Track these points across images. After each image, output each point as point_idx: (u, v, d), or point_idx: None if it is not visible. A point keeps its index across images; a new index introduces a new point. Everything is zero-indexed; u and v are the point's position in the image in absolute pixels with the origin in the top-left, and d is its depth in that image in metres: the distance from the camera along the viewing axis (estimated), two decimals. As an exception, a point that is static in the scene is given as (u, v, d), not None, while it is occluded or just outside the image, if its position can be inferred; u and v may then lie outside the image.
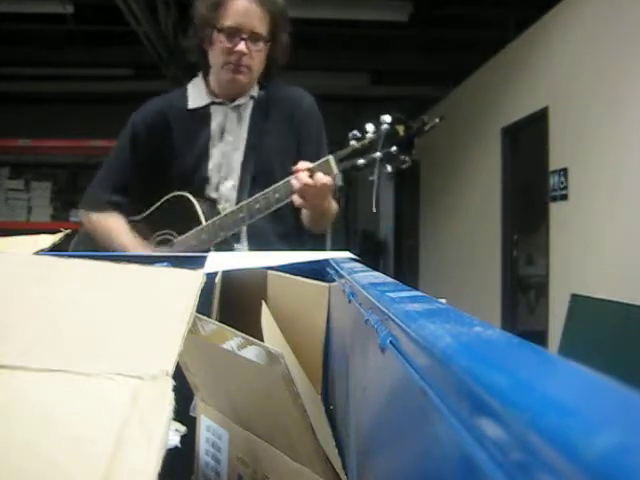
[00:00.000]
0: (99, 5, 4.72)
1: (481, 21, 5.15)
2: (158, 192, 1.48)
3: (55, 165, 6.07)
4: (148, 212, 1.50)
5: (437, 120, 1.28)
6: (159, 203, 1.48)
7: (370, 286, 0.45)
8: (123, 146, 1.52)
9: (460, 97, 5.85)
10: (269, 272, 0.82)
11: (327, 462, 0.55)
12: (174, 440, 0.74)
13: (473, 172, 5.46)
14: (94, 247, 1.46)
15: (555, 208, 3.90)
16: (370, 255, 7.41)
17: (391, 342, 0.33)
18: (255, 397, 0.63)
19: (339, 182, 1.51)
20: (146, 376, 0.33)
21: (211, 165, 1.47)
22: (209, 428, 0.74)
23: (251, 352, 0.56)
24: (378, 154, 1.24)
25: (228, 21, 1.37)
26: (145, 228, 1.48)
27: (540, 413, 0.15)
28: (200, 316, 0.60)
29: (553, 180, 3.88)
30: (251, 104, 1.50)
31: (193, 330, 0.61)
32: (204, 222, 1.38)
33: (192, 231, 1.39)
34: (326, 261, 0.79)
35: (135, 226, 1.48)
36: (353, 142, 1.27)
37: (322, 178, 1.26)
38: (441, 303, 0.36)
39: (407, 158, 1.26)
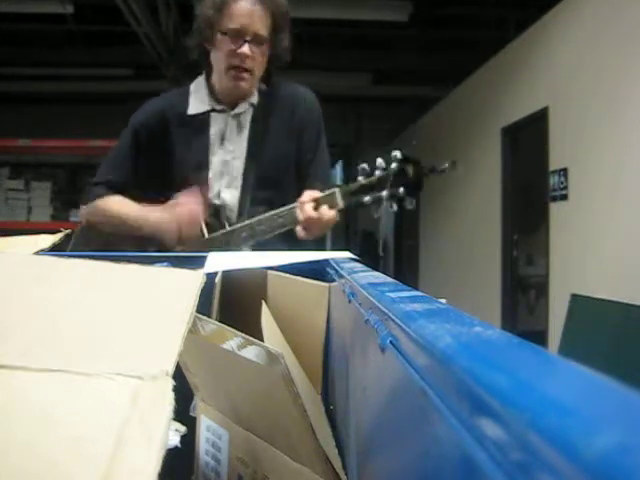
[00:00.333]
0: (99, 5, 4.72)
1: (481, 21, 5.15)
2: (157, 196, 1.47)
3: (55, 165, 6.06)
4: None
5: (447, 165, 1.28)
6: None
7: (370, 286, 0.45)
8: (123, 146, 1.51)
9: (460, 97, 5.85)
10: (269, 272, 0.82)
11: (327, 462, 0.55)
12: (174, 440, 0.74)
13: (473, 172, 5.46)
14: (95, 242, 1.46)
15: (555, 208, 3.90)
16: (370, 255, 7.40)
17: (391, 342, 0.33)
18: (255, 397, 0.63)
19: (338, 182, 1.52)
20: (146, 376, 0.33)
21: (211, 173, 1.46)
22: (209, 428, 0.74)
23: (251, 352, 0.56)
24: (385, 193, 1.24)
25: (231, 23, 1.37)
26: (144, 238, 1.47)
27: (540, 413, 0.15)
28: (200, 316, 0.60)
29: (553, 180, 3.88)
30: (251, 111, 1.49)
31: (193, 330, 0.61)
32: (206, 235, 1.38)
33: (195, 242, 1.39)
34: (326, 261, 0.79)
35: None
36: (360, 178, 1.27)
37: (327, 213, 1.27)
38: (441, 303, 0.36)
39: (414, 200, 1.25)
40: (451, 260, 5.95)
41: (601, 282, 3.21)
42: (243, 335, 0.56)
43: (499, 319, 4.66)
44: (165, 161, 1.47)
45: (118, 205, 1.46)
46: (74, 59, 5.72)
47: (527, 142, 4.59)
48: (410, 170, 1.24)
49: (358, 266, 0.68)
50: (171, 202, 1.39)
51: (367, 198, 1.26)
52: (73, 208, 5.29)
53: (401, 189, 1.24)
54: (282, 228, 1.31)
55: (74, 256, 0.49)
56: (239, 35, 1.37)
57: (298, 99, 1.52)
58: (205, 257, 0.75)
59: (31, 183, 5.42)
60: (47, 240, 0.67)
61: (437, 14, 5.11)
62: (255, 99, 1.50)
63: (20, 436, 0.29)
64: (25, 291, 0.44)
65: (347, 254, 0.82)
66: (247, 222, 1.36)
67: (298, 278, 0.76)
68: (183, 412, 0.77)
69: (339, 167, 7.52)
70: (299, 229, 1.29)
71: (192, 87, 1.52)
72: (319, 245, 1.50)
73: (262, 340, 0.58)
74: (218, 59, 1.42)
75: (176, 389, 0.32)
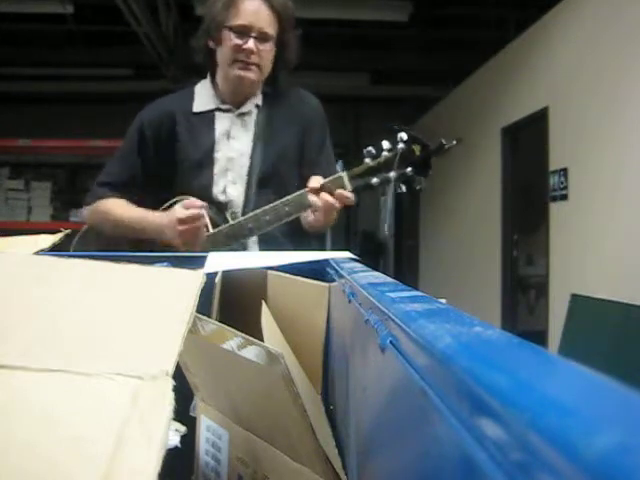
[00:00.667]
0: (99, 5, 4.72)
1: (481, 21, 5.15)
2: (162, 192, 1.48)
3: (55, 165, 6.07)
4: None
5: (454, 142, 1.26)
6: (166, 205, 1.47)
7: (370, 286, 0.45)
8: (128, 146, 1.52)
9: (460, 97, 5.85)
10: (269, 272, 0.82)
11: (327, 462, 0.55)
12: (174, 440, 0.74)
13: (473, 172, 5.46)
14: (95, 245, 1.46)
15: (555, 208, 3.90)
16: (370, 255, 7.40)
17: (391, 342, 0.33)
18: (255, 397, 0.63)
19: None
20: (146, 376, 0.33)
21: (216, 169, 1.47)
22: (209, 428, 0.74)
23: (251, 352, 0.56)
24: (393, 174, 1.23)
25: (238, 20, 1.40)
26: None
27: (540, 413, 0.15)
28: (200, 316, 0.60)
29: (553, 180, 3.88)
30: (256, 112, 1.50)
31: (193, 330, 0.61)
32: (211, 230, 1.38)
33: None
34: (326, 261, 0.79)
35: None
36: (367, 160, 1.25)
37: (343, 193, 1.26)
38: (441, 303, 0.36)
39: (423, 179, 1.24)
40: (451, 260, 5.95)
41: (601, 282, 3.21)
42: (243, 335, 0.56)
43: (499, 319, 4.66)
44: (171, 158, 1.47)
45: (119, 207, 1.46)
46: (74, 59, 5.72)
47: (527, 142, 4.59)
48: (417, 149, 1.23)
49: (358, 266, 0.68)
50: (175, 207, 1.40)
51: (375, 180, 1.24)
52: (73, 208, 5.29)
53: (409, 169, 1.22)
54: (288, 217, 1.30)
55: (74, 256, 0.49)
56: (245, 31, 1.40)
57: (303, 102, 1.54)
58: (205, 257, 0.75)
59: (31, 183, 5.42)
60: (47, 240, 0.67)
61: (437, 14, 5.11)
62: (260, 100, 1.51)
63: (20, 436, 0.29)
64: (25, 291, 0.44)
65: (347, 254, 0.82)
66: (252, 213, 1.35)
67: (298, 278, 0.76)
68: (183, 412, 0.77)
69: (339, 167, 7.50)
70: (307, 215, 1.29)
71: (197, 88, 1.54)
72: (320, 245, 1.50)
73: (262, 340, 0.58)
74: (224, 54, 1.44)
75: (176, 389, 0.32)
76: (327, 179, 1.28)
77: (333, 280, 0.71)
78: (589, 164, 3.47)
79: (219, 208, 1.45)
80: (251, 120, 1.50)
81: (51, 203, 5.41)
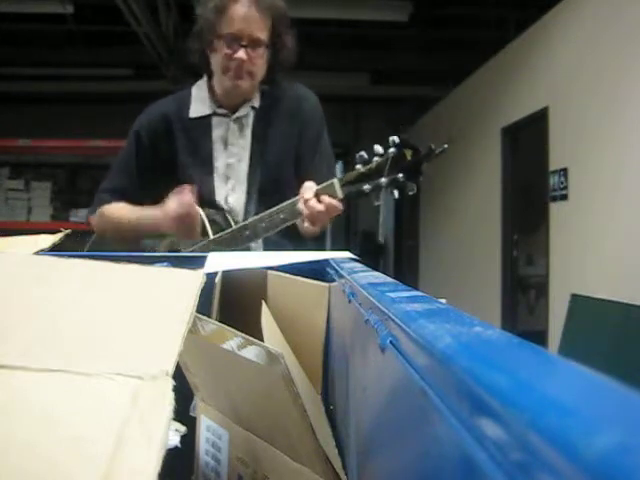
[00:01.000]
0: (99, 5, 4.72)
1: (481, 21, 5.15)
2: (163, 197, 1.48)
3: (55, 165, 6.07)
4: None
5: (445, 146, 1.25)
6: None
7: (370, 286, 0.45)
8: (127, 152, 1.52)
9: (460, 97, 5.85)
10: (269, 272, 0.82)
11: (327, 462, 0.55)
12: (174, 440, 0.74)
13: (473, 172, 5.46)
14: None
15: (555, 208, 3.90)
16: (370, 255, 7.41)
17: (391, 342, 0.33)
18: (255, 397, 0.63)
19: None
20: (146, 376, 0.33)
21: (217, 177, 1.46)
22: (209, 428, 0.74)
23: (251, 352, 0.56)
24: (384, 180, 1.22)
25: (228, 28, 1.38)
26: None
27: (540, 413, 0.15)
28: (200, 316, 0.60)
29: (553, 180, 3.88)
30: (252, 114, 1.50)
31: (193, 330, 0.61)
32: (211, 236, 1.38)
33: (198, 244, 1.39)
34: (326, 261, 0.79)
35: None
36: (359, 166, 1.24)
37: (332, 202, 1.25)
38: (441, 303, 0.36)
39: (414, 185, 1.22)
40: (451, 260, 5.95)
41: (601, 282, 3.21)
42: (243, 335, 0.56)
43: (499, 319, 4.66)
44: (169, 164, 1.47)
45: (118, 210, 1.47)
46: (74, 59, 5.72)
47: (527, 142, 4.59)
48: (408, 154, 1.22)
49: (358, 266, 0.68)
50: (168, 202, 1.40)
51: (366, 186, 1.23)
52: (73, 208, 5.29)
53: (400, 174, 1.21)
54: (284, 224, 1.30)
55: (74, 256, 0.49)
56: (235, 39, 1.38)
57: (300, 100, 1.53)
58: (205, 257, 0.75)
59: (31, 183, 5.42)
60: (47, 240, 0.67)
61: (437, 14, 5.11)
62: (257, 102, 1.50)
63: (20, 436, 0.29)
64: (25, 291, 0.44)
65: (347, 254, 0.82)
66: (248, 221, 1.35)
67: (298, 278, 0.76)
68: (183, 412, 0.77)
69: (339, 167, 7.52)
70: (302, 222, 1.29)
71: (194, 90, 1.53)
72: (320, 245, 1.50)
73: (262, 340, 0.58)
74: (217, 63, 1.44)
75: (176, 389, 0.32)
76: (318, 187, 1.27)
77: (333, 280, 0.71)
78: (589, 164, 3.47)
79: (224, 214, 1.45)
80: (248, 123, 1.49)
81: (51, 203, 5.41)
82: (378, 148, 1.23)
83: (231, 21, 1.38)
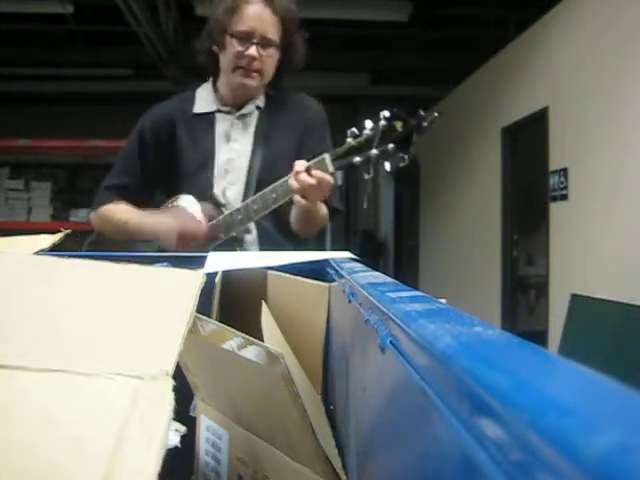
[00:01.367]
0: (99, 5, 4.72)
1: (481, 21, 5.15)
2: (164, 194, 1.49)
3: (55, 165, 6.07)
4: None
5: (436, 114, 1.24)
6: (164, 205, 1.48)
7: (370, 286, 0.45)
8: (129, 149, 1.53)
9: (460, 97, 5.85)
10: (269, 272, 0.82)
11: (327, 462, 0.55)
12: (174, 440, 0.74)
13: (473, 172, 5.46)
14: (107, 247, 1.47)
15: (555, 208, 3.90)
16: (370, 255, 7.41)
17: (391, 342, 0.33)
18: (255, 397, 0.63)
19: (339, 182, 1.50)
20: (146, 376, 0.33)
21: (216, 171, 1.47)
22: (209, 428, 0.74)
23: (251, 352, 0.56)
24: (374, 151, 1.21)
25: (241, 26, 1.39)
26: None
27: (540, 413, 0.15)
28: (200, 316, 0.60)
29: (553, 180, 3.88)
30: (257, 114, 1.50)
31: (193, 330, 0.61)
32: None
33: None
34: (326, 261, 0.79)
35: None
36: (349, 139, 1.24)
37: (322, 175, 1.25)
38: (441, 303, 0.36)
39: (405, 156, 1.21)
40: (451, 260, 5.95)
41: (601, 282, 3.21)
42: (243, 335, 0.56)
43: (499, 319, 4.66)
44: (171, 160, 1.48)
45: (120, 212, 1.48)
46: (74, 59, 5.72)
47: (527, 142, 4.59)
48: (398, 125, 1.20)
49: (358, 266, 0.68)
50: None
51: (357, 159, 1.23)
52: (73, 208, 5.29)
53: (391, 145, 1.20)
54: (275, 203, 1.30)
55: (74, 256, 0.49)
56: (247, 37, 1.40)
57: (304, 105, 1.54)
58: (205, 257, 0.75)
59: (31, 183, 5.42)
60: (47, 240, 0.67)
61: (437, 14, 5.11)
62: (261, 102, 1.51)
63: (20, 436, 0.29)
64: (25, 291, 0.44)
65: (347, 254, 0.82)
66: (240, 205, 1.36)
67: (298, 278, 0.76)
68: (183, 412, 0.77)
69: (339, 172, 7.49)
70: (297, 198, 1.28)
71: (199, 91, 1.54)
72: (320, 245, 1.50)
73: (262, 340, 0.58)
74: (226, 60, 1.44)
75: (176, 389, 0.32)
76: (310, 162, 1.27)
77: (333, 280, 0.71)
78: (589, 164, 3.47)
79: (219, 207, 1.46)
80: (252, 121, 1.50)
81: (51, 203, 5.42)
82: (369, 123, 1.23)
83: (244, 19, 1.39)
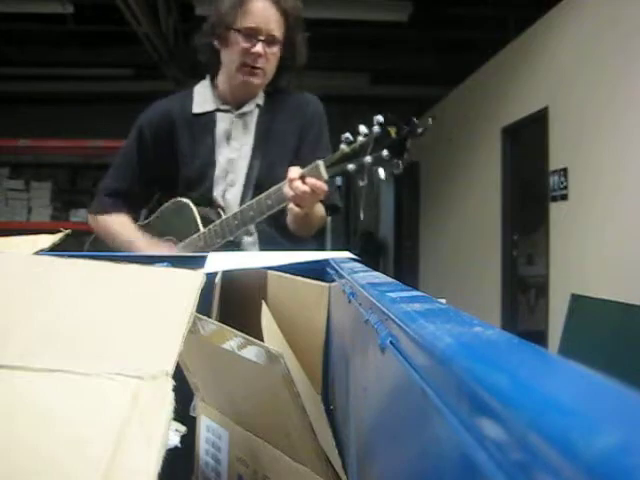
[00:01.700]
0: (99, 5, 4.72)
1: (481, 21, 5.15)
2: (164, 196, 1.49)
3: (55, 165, 6.06)
4: (152, 218, 1.51)
5: (430, 121, 1.23)
6: (162, 208, 1.48)
7: (370, 286, 0.45)
8: (128, 151, 1.53)
9: (460, 97, 5.85)
10: (269, 272, 0.82)
11: (327, 462, 0.55)
12: (174, 440, 0.74)
13: (473, 172, 5.46)
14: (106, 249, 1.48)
15: (555, 208, 3.90)
16: (370, 255, 7.41)
17: (391, 342, 0.33)
18: (255, 397, 0.63)
19: (338, 182, 1.49)
20: (146, 376, 0.33)
21: (217, 171, 1.47)
22: (209, 428, 0.74)
23: (251, 352, 0.56)
24: (368, 158, 1.19)
25: (246, 22, 1.38)
26: (148, 233, 1.48)
27: (540, 413, 0.15)
28: (200, 316, 0.60)
29: (553, 180, 3.88)
30: (257, 112, 1.50)
31: (193, 330, 0.61)
32: (202, 229, 1.38)
33: (189, 238, 1.39)
34: (326, 261, 0.79)
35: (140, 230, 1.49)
36: (343, 146, 1.22)
37: (316, 183, 1.24)
38: (441, 303, 0.36)
39: (399, 162, 1.19)
40: (451, 260, 5.95)
41: (601, 282, 3.21)
42: (243, 335, 0.56)
43: (499, 319, 4.67)
44: (172, 160, 1.48)
45: (117, 225, 1.49)
46: (74, 59, 5.72)
47: (527, 142, 4.59)
48: (392, 132, 1.18)
49: (358, 266, 0.68)
50: (166, 240, 1.43)
51: (351, 166, 1.21)
52: (73, 208, 5.30)
53: (385, 152, 1.18)
54: (271, 210, 1.29)
55: (74, 256, 0.49)
56: (253, 34, 1.38)
57: (303, 102, 1.53)
58: (205, 257, 0.75)
59: (31, 183, 5.42)
60: (47, 240, 0.67)
61: (437, 14, 5.10)
62: (261, 100, 1.50)
63: (20, 436, 0.29)
64: (25, 291, 0.44)
65: (347, 254, 0.82)
66: (236, 210, 1.36)
67: (298, 278, 0.76)
68: (183, 412, 0.76)
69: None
70: (291, 206, 1.28)
71: (196, 89, 1.53)
72: (320, 245, 1.50)
73: (262, 340, 0.58)
74: (230, 57, 1.43)
75: (176, 389, 0.32)
76: (304, 170, 1.26)
77: (333, 280, 0.70)
78: (589, 164, 3.47)
79: (218, 211, 1.45)
80: (252, 120, 1.50)
81: (51, 203, 5.41)
82: (362, 128, 1.21)
83: (250, 15, 1.38)
